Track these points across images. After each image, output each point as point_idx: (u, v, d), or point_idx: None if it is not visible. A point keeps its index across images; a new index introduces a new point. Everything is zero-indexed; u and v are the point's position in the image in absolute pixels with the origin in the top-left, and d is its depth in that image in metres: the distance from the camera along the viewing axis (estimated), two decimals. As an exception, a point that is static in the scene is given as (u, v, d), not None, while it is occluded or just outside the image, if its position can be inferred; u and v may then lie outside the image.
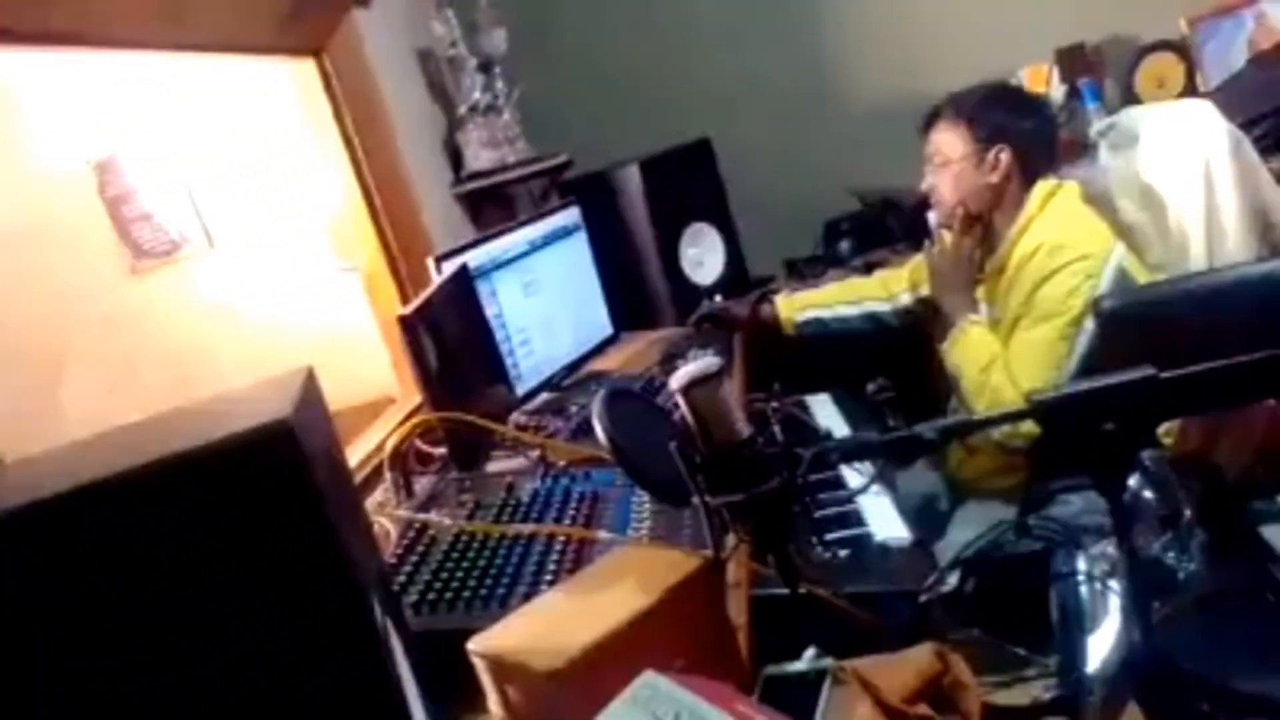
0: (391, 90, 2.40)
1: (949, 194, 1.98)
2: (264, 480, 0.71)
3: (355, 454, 1.91)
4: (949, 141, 1.97)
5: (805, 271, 2.92)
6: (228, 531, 0.70)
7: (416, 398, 1.78)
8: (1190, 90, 2.77)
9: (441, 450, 1.78)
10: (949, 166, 1.97)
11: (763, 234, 2.95)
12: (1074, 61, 2.85)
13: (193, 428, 0.76)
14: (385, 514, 1.54)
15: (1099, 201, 1.95)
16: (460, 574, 1.26)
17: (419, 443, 1.78)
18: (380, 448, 1.75)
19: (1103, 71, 2.88)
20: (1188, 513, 1.25)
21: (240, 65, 2.10)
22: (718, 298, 2.66)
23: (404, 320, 1.63)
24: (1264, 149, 2.27)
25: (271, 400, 0.75)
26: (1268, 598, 1.17)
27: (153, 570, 0.70)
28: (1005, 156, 1.93)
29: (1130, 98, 2.82)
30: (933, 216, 2.07)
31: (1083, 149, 2.18)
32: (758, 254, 2.94)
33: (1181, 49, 2.82)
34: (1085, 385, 0.87)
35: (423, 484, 1.70)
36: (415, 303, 1.72)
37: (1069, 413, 0.87)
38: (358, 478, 1.76)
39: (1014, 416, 0.95)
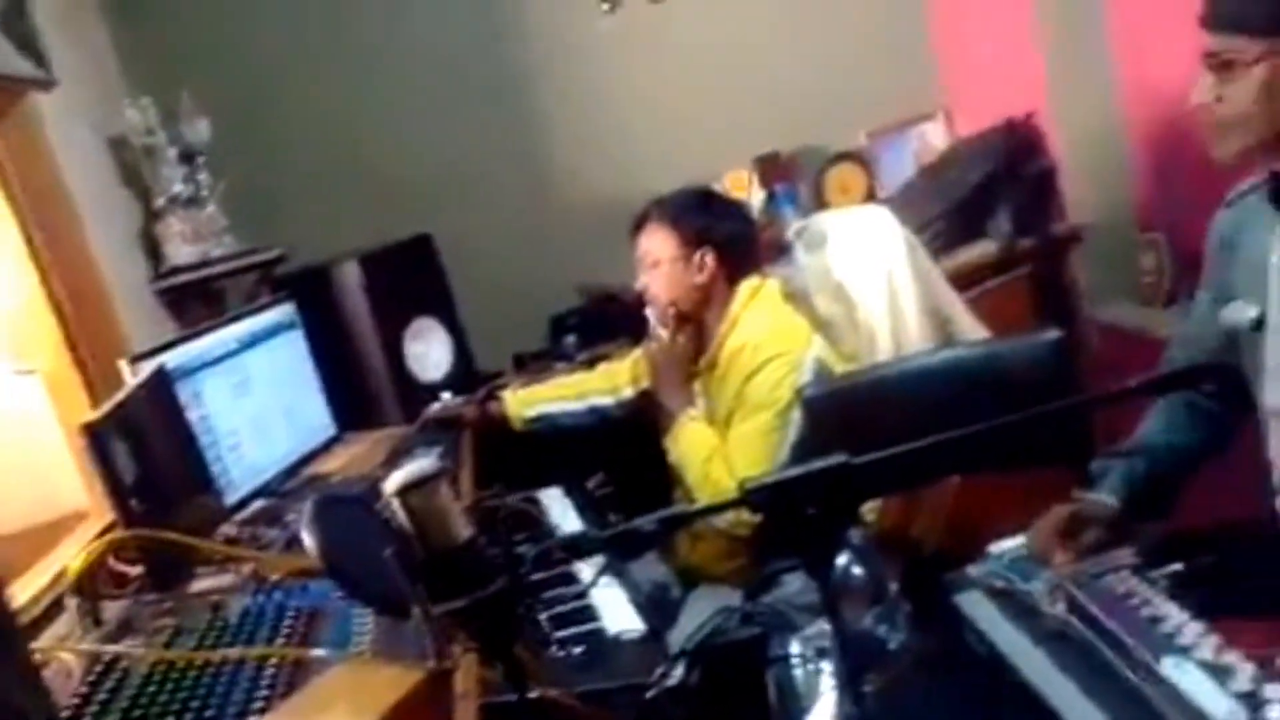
0: (79, 178, 2.22)
1: (661, 293, 2.07)
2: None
3: (36, 580, 1.70)
4: (658, 244, 2.07)
5: (532, 366, 2.94)
6: None
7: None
8: (870, 196, 3.07)
9: (141, 570, 1.61)
10: (659, 268, 2.06)
11: (490, 329, 2.95)
12: (771, 168, 3.10)
13: None
14: (68, 648, 1.37)
15: (798, 297, 2.10)
16: (156, 710, 1.15)
17: (114, 563, 1.61)
18: (64, 572, 1.56)
19: (796, 177, 3.14)
20: (894, 586, 1.34)
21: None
22: (445, 394, 2.61)
23: (88, 428, 1.49)
24: (935, 250, 2.54)
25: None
26: (961, 663, 1.27)
27: None
28: (710, 258, 2.04)
29: (821, 202, 3.08)
30: (651, 313, 2.15)
31: (781, 249, 2.35)
32: (485, 348, 2.93)
33: (862, 159, 3.14)
34: (787, 473, 0.91)
35: (114, 610, 1.54)
36: (103, 409, 1.58)
37: (775, 499, 0.92)
38: (39, 606, 1.57)
39: (727, 506, 0.99)
